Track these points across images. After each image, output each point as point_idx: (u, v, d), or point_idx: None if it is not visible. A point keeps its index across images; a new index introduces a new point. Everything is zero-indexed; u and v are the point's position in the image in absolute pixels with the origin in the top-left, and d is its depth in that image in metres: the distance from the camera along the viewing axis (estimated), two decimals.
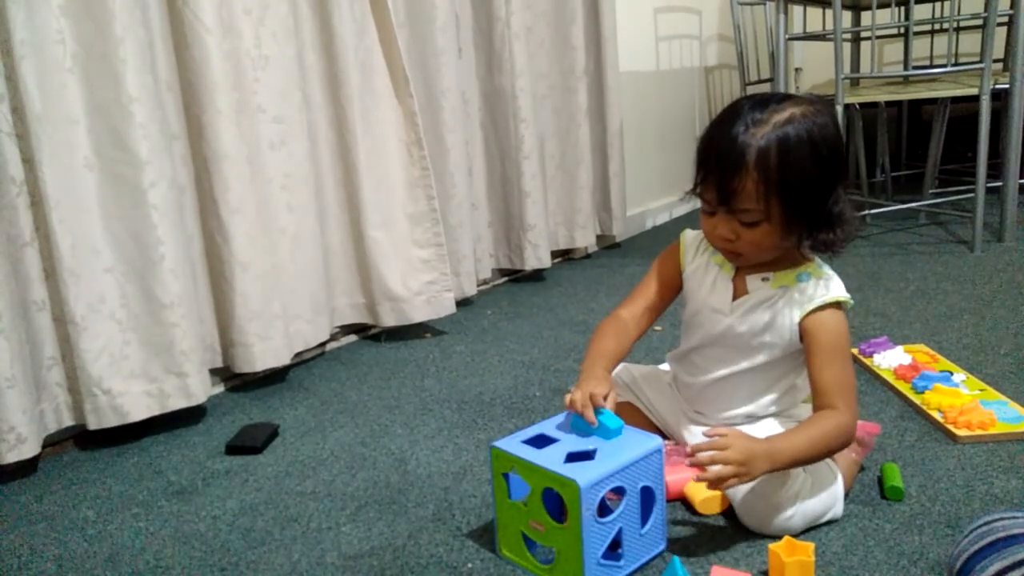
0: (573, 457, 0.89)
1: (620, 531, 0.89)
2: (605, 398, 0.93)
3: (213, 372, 1.55)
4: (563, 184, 2.39)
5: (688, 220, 2.85)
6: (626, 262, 2.50)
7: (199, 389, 1.39)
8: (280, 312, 1.54)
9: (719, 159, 0.90)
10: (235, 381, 1.61)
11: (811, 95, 0.98)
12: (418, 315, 1.80)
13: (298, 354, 1.66)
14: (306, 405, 1.48)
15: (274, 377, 1.62)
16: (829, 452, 0.93)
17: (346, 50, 1.63)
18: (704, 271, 1.03)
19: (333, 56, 1.64)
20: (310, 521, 1.07)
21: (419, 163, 1.75)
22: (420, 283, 1.79)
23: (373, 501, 1.11)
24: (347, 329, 1.85)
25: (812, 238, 0.93)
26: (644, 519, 0.92)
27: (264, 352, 1.51)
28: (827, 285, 0.96)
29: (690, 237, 1.07)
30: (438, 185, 1.85)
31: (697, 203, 0.98)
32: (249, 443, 1.30)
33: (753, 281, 0.99)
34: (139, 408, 1.34)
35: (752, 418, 1.05)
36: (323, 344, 1.76)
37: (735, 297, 0.99)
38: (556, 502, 0.89)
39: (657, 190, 3.04)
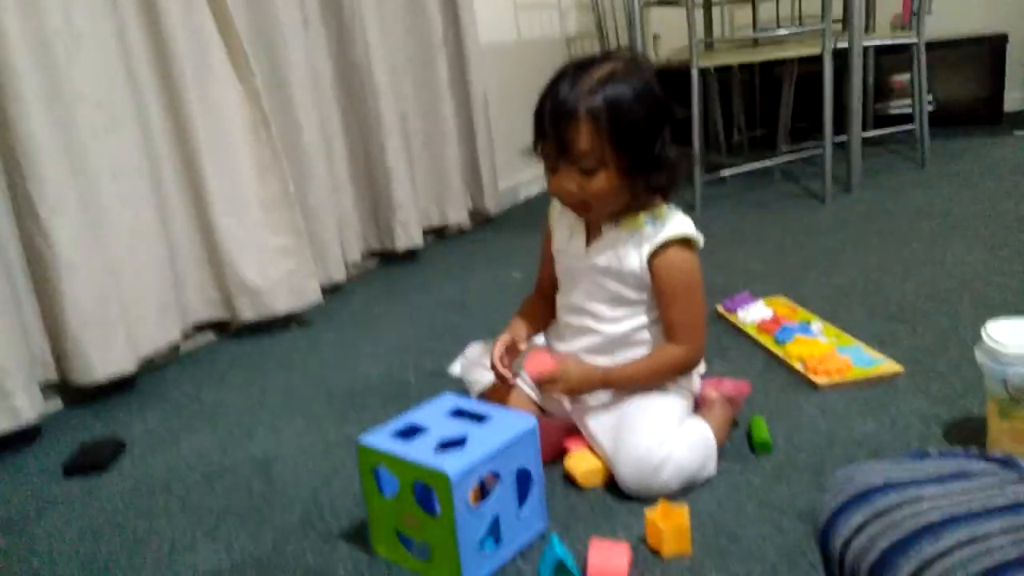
0: (445, 445, 0.86)
1: (497, 517, 0.85)
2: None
3: (48, 387, 1.40)
4: (430, 159, 2.32)
5: None
6: (501, 236, 2.46)
7: (27, 407, 1.25)
8: (120, 315, 1.40)
9: (552, 114, 0.96)
10: (75, 395, 1.45)
11: (629, 50, 1.03)
12: (280, 306, 1.69)
13: (147, 359, 1.52)
14: (158, 414, 1.36)
15: (120, 386, 1.47)
16: (665, 378, 1.03)
17: (173, 24, 1.49)
18: (566, 227, 1.09)
19: (159, 32, 1.49)
20: (162, 542, 0.97)
21: (268, 144, 1.63)
22: (280, 272, 1.68)
23: (233, 512, 1.02)
24: (203, 327, 1.72)
25: (648, 181, 0.99)
26: (522, 501, 0.89)
27: (104, 360, 1.37)
28: (674, 224, 1.01)
29: (559, 203, 1.11)
30: (293, 167, 1.74)
31: None
32: (90, 462, 1.18)
33: (606, 227, 1.04)
34: None
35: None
36: (176, 346, 1.63)
37: (589, 243, 1.05)
38: (431, 493, 0.84)
39: (528, 162, 3.01)
